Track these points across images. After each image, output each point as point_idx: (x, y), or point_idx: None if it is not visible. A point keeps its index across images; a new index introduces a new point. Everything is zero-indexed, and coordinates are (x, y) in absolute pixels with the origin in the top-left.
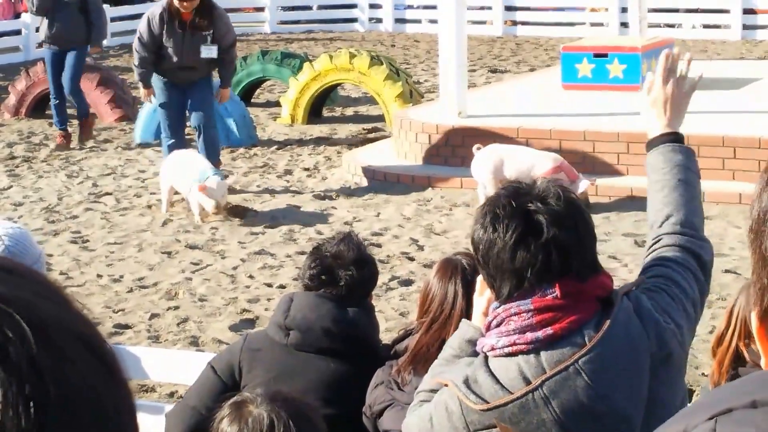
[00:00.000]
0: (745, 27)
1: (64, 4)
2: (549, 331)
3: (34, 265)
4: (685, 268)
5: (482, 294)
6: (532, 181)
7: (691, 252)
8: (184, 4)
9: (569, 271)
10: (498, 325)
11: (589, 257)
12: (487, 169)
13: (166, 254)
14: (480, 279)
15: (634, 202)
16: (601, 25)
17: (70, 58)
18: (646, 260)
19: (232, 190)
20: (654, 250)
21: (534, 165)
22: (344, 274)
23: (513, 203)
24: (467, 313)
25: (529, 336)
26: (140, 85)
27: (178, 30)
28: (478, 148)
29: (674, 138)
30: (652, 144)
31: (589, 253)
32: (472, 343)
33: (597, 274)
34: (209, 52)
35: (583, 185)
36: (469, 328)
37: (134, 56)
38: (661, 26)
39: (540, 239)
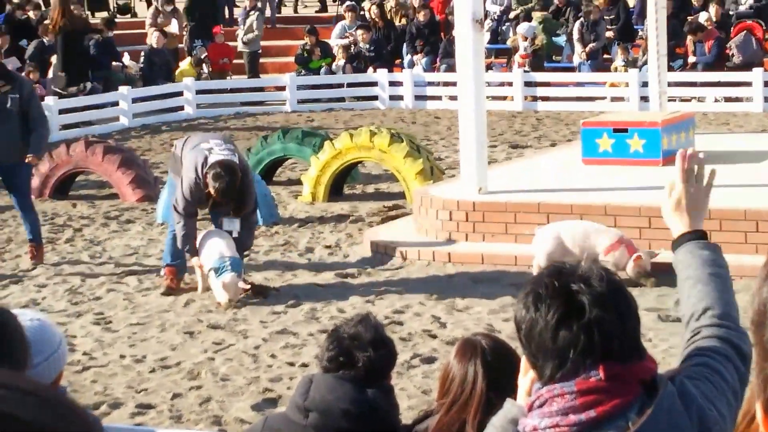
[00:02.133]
0: (767, 99)
1: (4, 114)
2: (592, 413)
3: (53, 355)
4: (726, 358)
5: (526, 374)
6: (576, 261)
7: (730, 343)
8: (217, 199)
9: (611, 352)
10: (541, 406)
11: (631, 339)
12: (545, 249)
13: (188, 334)
14: (524, 359)
15: (664, 276)
16: (622, 99)
17: (16, 175)
18: (686, 351)
19: (256, 268)
20: (693, 342)
21: (594, 241)
22: (362, 356)
23: (556, 283)
24: (487, 394)
25: (573, 418)
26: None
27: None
28: (531, 232)
29: (699, 235)
30: (677, 243)
31: (632, 335)
32: (515, 422)
33: (640, 357)
34: (232, 225)
35: (646, 258)
36: (513, 407)
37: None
38: (682, 100)
39: (582, 320)
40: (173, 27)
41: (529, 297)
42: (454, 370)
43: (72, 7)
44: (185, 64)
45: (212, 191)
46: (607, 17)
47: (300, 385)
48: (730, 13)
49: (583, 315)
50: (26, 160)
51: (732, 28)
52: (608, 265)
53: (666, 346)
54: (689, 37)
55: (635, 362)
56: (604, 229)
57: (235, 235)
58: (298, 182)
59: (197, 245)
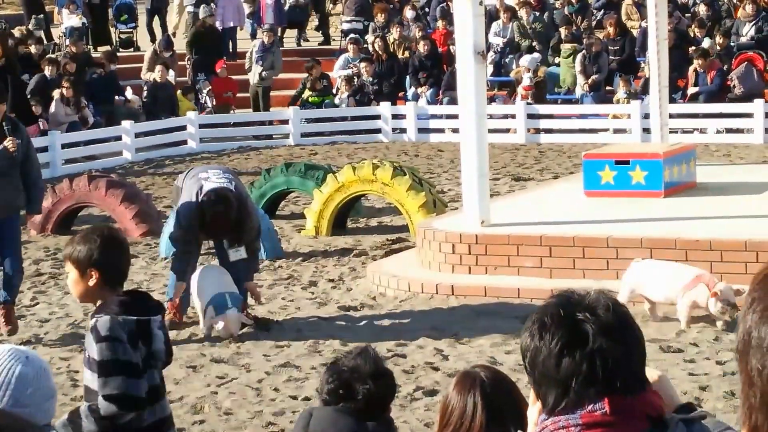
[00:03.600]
0: None
1: (11, 166)
2: None
3: (47, 402)
4: None
5: (535, 404)
6: (585, 291)
7: None
8: (212, 227)
9: (615, 383)
10: None
11: (636, 371)
12: (627, 282)
13: (191, 368)
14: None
15: (659, 307)
16: (624, 131)
17: (11, 226)
18: None
19: (258, 303)
20: None
21: (674, 277)
22: (362, 388)
23: (561, 312)
24: (487, 426)
25: None
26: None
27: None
28: (638, 261)
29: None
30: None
31: (636, 367)
32: None
33: (644, 390)
34: (237, 254)
35: (726, 292)
36: None
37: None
38: (684, 131)
39: (586, 348)
40: (170, 75)
41: (534, 325)
42: (453, 402)
43: (9, 41)
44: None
45: (206, 219)
46: (612, 48)
47: (300, 418)
48: (731, 44)
49: (586, 344)
50: (27, 218)
51: (733, 59)
52: (685, 305)
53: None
54: (696, 62)
55: (640, 395)
56: (687, 268)
57: (243, 256)
58: (302, 216)
59: (196, 281)
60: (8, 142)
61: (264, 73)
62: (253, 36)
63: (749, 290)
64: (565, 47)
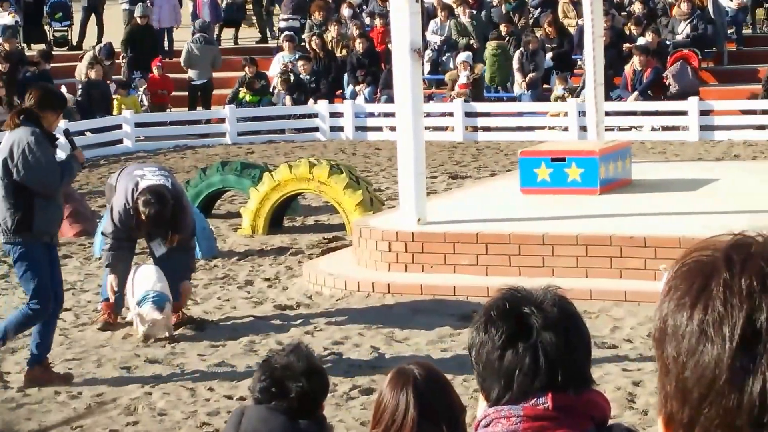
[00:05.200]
0: (703, 128)
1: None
2: None
3: None
4: None
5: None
6: (533, 287)
7: None
8: (147, 225)
9: (558, 378)
10: (486, 426)
11: (579, 368)
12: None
13: (125, 369)
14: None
15: (594, 304)
16: (562, 129)
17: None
18: None
19: (194, 301)
20: None
21: None
22: (294, 386)
23: (507, 305)
24: (419, 423)
25: None
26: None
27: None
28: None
29: None
30: None
31: (580, 364)
32: None
33: (589, 389)
34: (161, 249)
35: None
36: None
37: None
38: (620, 129)
39: (529, 341)
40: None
41: (481, 319)
42: (386, 400)
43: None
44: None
45: (142, 217)
46: (549, 46)
47: (232, 417)
48: (667, 42)
49: (530, 337)
50: None
51: (668, 58)
52: None
53: (601, 372)
54: (636, 59)
55: (584, 393)
56: None
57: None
58: (237, 215)
59: (131, 280)
60: (77, 153)
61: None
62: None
63: (666, 279)
64: (491, 45)
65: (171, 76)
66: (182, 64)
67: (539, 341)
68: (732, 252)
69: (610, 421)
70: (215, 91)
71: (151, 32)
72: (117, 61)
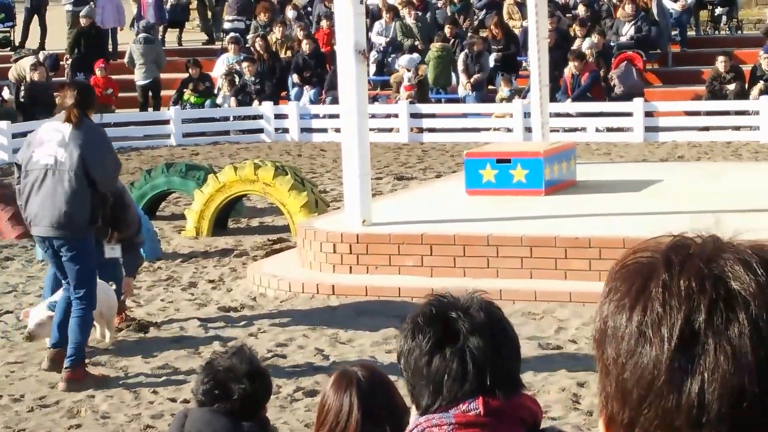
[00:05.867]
0: (647, 129)
1: None
2: None
3: None
4: None
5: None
6: (460, 293)
7: None
8: None
9: (487, 382)
10: None
11: (508, 372)
12: None
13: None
14: None
15: (538, 305)
16: (507, 130)
17: None
18: None
19: (137, 305)
20: None
21: None
22: (237, 388)
23: (434, 311)
24: (363, 425)
25: None
26: None
27: None
28: None
29: None
30: None
31: (509, 368)
32: None
33: (518, 393)
34: (113, 252)
35: None
36: None
37: None
38: (566, 130)
39: (456, 346)
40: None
41: (408, 326)
42: (329, 402)
43: None
44: None
45: None
46: (495, 47)
47: (175, 419)
48: (611, 44)
49: (457, 341)
50: None
51: (613, 59)
52: None
53: (546, 373)
54: (571, 64)
55: (514, 397)
56: None
57: (117, 255)
58: (182, 217)
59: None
60: None
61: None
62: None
63: (606, 281)
64: (435, 47)
65: (118, 77)
66: (127, 65)
67: (467, 346)
68: (671, 253)
69: (551, 423)
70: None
71: (97, 34)
72: (62, 62)
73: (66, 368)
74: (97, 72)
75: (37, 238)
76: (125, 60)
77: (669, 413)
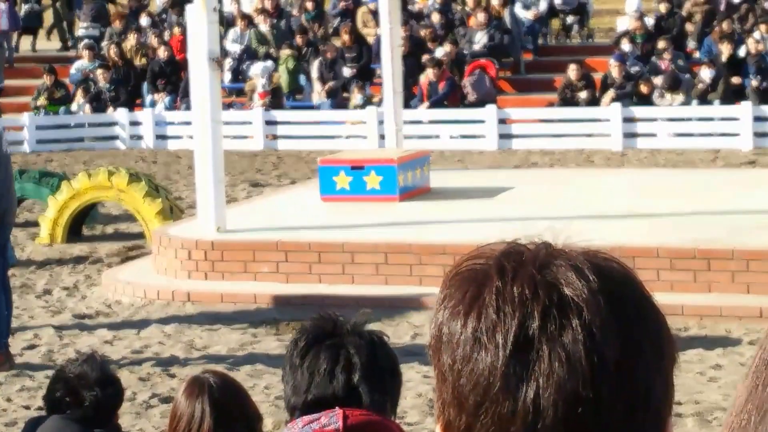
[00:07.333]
0: (501, 137)
1: None
2: None
3: None
4: None
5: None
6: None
7: None
8: None
9: (354, 395)
10: None
11: (380, 389)
12: None
13: None
14: None
15: (394, 311)
16: (361, 137)
17: None
18: None
19: None
20: None
21: None
22: (89, 395)
23: (318, 333)
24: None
25: None
26: None
27: None
28: None
29: None
30: None
31: (381, 386)
32: None
33: (385, 413)
34: None
35: None
36: None
37: None
38: (420, 137)
39: (337, 366)
40: None
41: (294, 343)
42: (181, 408)
43: None
44: None
45: None
46: (349, 55)
47: (25, 427)
48: (465, 52)
49: (337, 359)
50: None
51: (466, 67)
52: None
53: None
54: (430, 71)
55: (378, 415)
56: None
57: None
58: (36, 224)
59: None
60: None
61: None
62: None
63: (441, 287)
64: (285, 53)
65: None
66: None
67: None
68: (504, 260)
69: (411, 429)
70: (13, 99)
71: None
72: None
73: None
74: None
75: None
76: None
77: (505, 419)
